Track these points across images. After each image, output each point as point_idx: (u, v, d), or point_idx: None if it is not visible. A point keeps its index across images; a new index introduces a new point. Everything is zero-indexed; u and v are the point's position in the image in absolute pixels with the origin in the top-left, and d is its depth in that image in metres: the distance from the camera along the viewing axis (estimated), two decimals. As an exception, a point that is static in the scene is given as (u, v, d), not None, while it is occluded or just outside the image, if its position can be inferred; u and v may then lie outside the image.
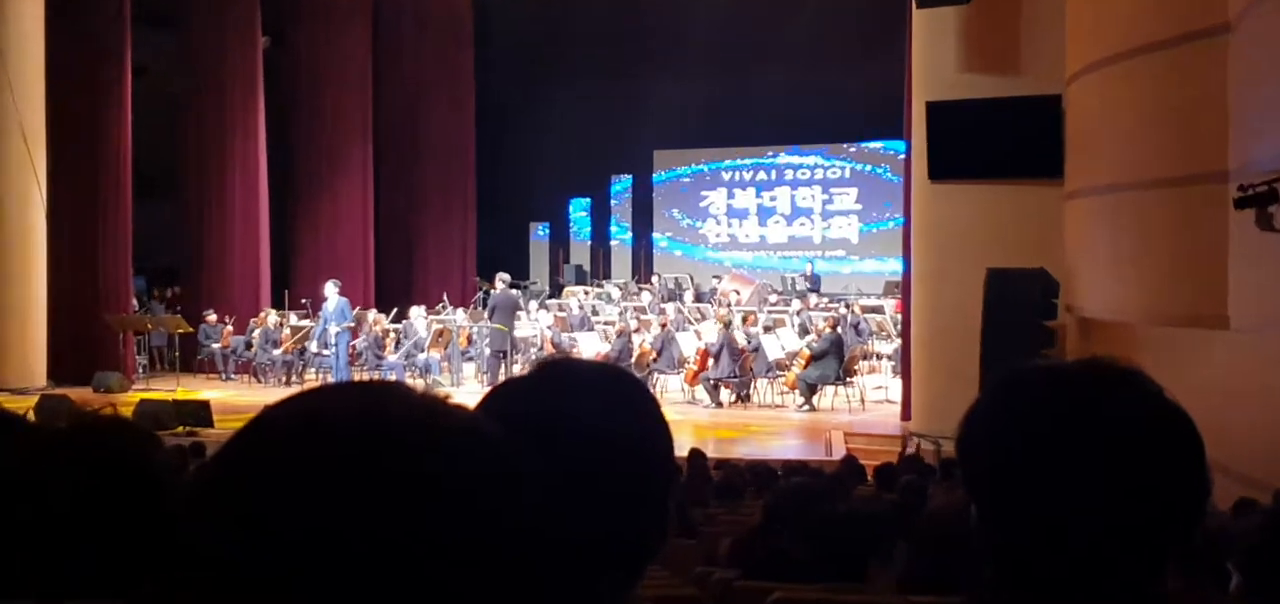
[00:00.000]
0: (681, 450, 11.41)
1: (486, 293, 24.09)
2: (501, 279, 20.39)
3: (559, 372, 1.46)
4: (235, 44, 23.68)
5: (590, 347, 20.33)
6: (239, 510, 0.93)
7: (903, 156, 20.53)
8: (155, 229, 24.15)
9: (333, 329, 19.89)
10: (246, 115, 23.79)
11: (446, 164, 28.54)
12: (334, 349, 19.77)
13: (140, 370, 21.63)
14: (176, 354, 22.14)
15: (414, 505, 0.93)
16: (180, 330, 21.61)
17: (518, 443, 1.03)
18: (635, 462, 1.40)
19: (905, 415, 16.34)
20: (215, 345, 22.36)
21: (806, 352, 18.50)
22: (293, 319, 22.54)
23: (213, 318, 22.58)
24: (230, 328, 22.47)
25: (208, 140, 23.77)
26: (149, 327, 21.92)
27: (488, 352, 20.07)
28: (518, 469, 1.01)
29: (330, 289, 19.87)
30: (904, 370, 16.92)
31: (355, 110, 26.02)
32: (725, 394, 18.70)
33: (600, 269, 31.31)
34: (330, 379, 20.16)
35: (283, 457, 0.94)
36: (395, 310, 22.66)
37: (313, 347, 20.61)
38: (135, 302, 22.86)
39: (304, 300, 23.51)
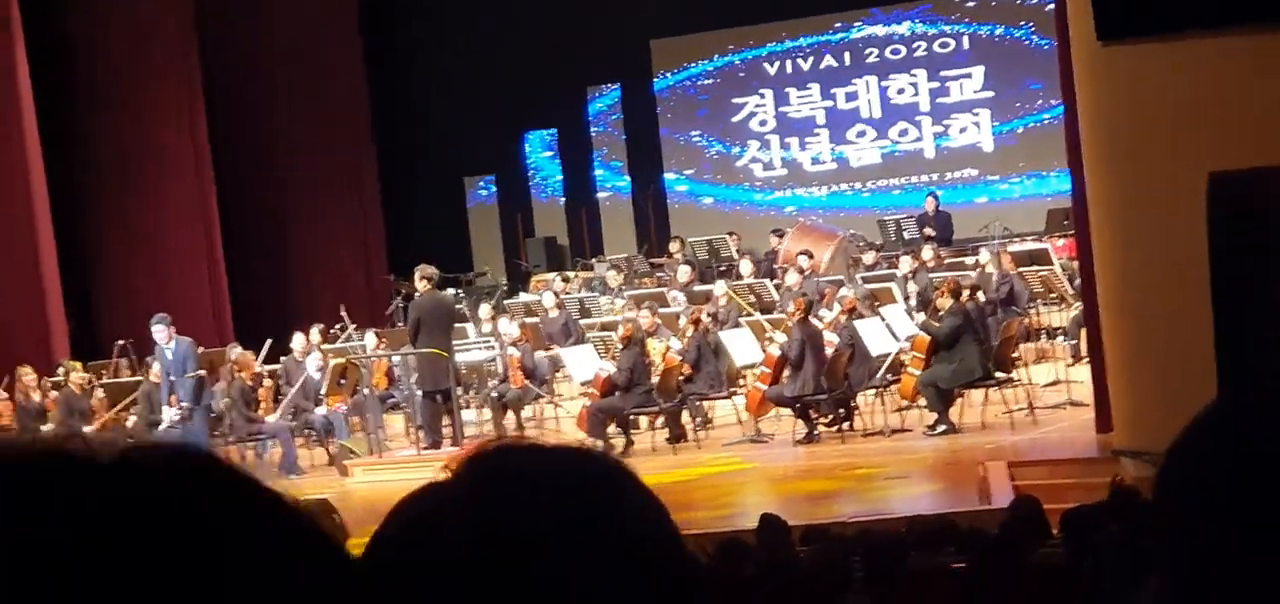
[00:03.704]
0: (749, 517, 11.41)
1: (406, 299, 24.05)
2: (425, 276, 20.31)
3: (497, 482, 1.43)
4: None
5: (584, 366, 20.28)
6: None
7: (1050, 7, 20.39)
8: None
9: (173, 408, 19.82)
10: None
11: (322, 100, 28.58)
12: (181, 413, 19.76)
13: None
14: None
15: None
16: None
17: None
18: None
19: (1102, 425, 16.26)
20: (-14, 429, 22.28)
21: (922, 337, 18.49)
22: (120, 369, 22.51)
23: (-20, 384, 22.41)
24: (5, 397, 22.30)
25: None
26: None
27: (419, 395, 20.07)
28: None
29: (160, 330, 19.86)
30: (1093, 352, 16.83)
31: (166, 34, 26.17)
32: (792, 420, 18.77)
33: (585, 241, 31.35)
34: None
35: None
36: (268, 343, 22.77)
37: (165, 414, 20.43)
38: None
39: (122, 342, 23.48)
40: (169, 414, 20.14)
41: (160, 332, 19.87)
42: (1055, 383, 19.71)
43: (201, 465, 1.10)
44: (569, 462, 1.46)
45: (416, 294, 20.60)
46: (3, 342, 23.46)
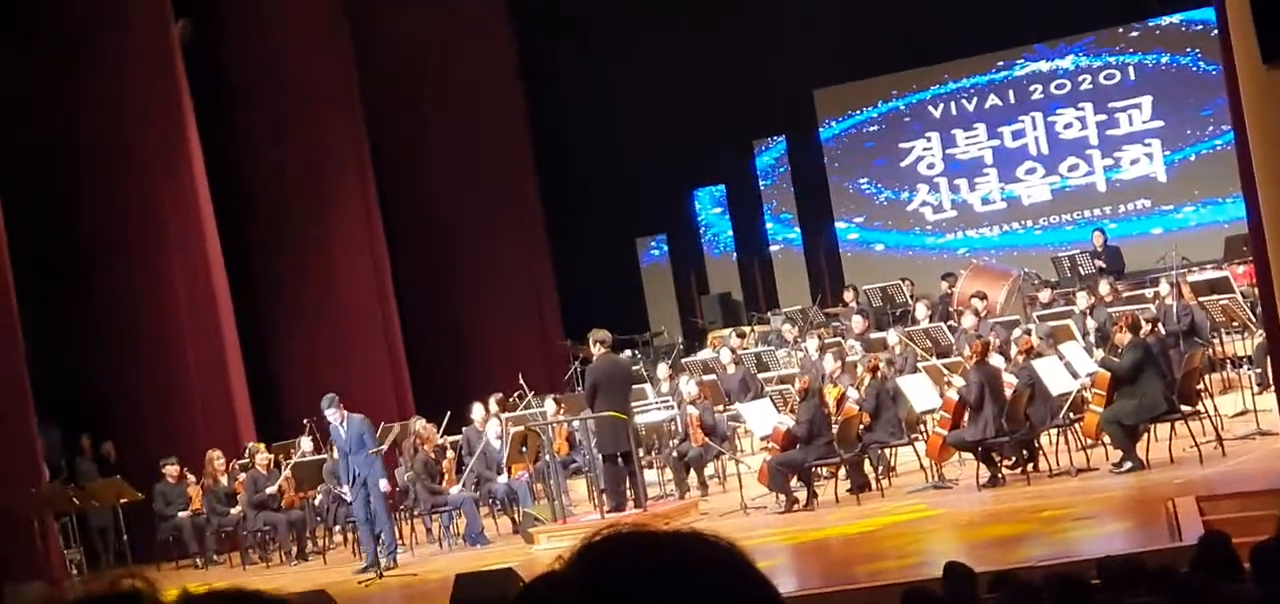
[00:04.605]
0: (935, 566, 11.35)
1: (583, 364, 24.11)
2: (599, 340, 20.35)
3: (609, 572, 1.46)
4: (138, 33, 24.22)
5: (763, 420, 20.25)
6: None
7: (1215, 32, 20.16)
8: (51, 349, 24.27)
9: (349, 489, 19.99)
10: (169, 143, 24.39)
11: (489, 172, 28.83)
12: (361, 492, 19.86)
13: (74, 571, 22.00)
14: (126, 538, 22.37)
15: None
16: (125, 500, 21.93)
17: None
18: None
19: (1293, 452, 16.13)
20: (181, 514, 22.66)
21: (1104, 374, 18.28)
22: (303, 448, 22.78)
23: (173, 472, 22.89)
24: (195, 482, 22.79)
25: (116, 195, 24.34)
26: (77, 503, 22.29)
27: (600, 459, 20.05)
28: None
29: (332, 412, 19.94)
30: (1278, 377, 16.59)
31: (334, 116, 26.57)
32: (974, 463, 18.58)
33: (760, 295, 31.36)
34: (363, 537, 20.33)
35: None
36: (448, 415, 22.91)
37: (343, 491, 20.61)
38: (49, 466, 23.11)
39: (307, 420, 23.64)
40: (347, 493, 20.39)
41: (332, 413, 19.86)
42: (1243, 413, 19.39)
43: None
44: (680, 549, 1.47)
45: (593, 357, 20.62)
46: (191, 428, 23.90)
